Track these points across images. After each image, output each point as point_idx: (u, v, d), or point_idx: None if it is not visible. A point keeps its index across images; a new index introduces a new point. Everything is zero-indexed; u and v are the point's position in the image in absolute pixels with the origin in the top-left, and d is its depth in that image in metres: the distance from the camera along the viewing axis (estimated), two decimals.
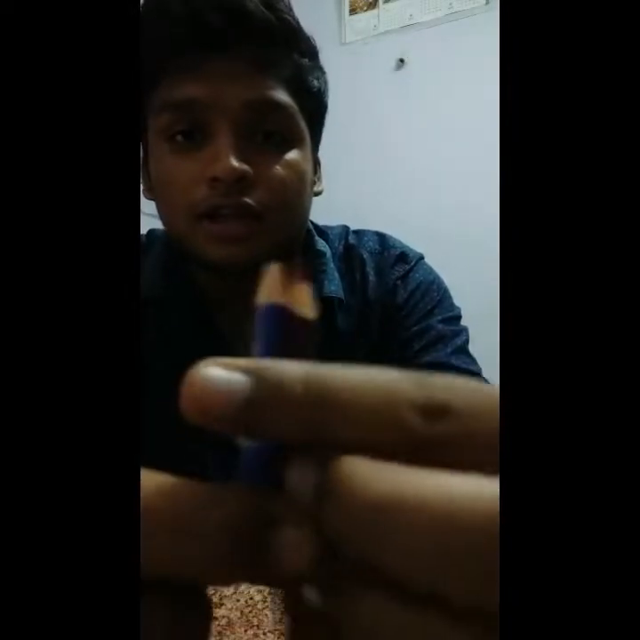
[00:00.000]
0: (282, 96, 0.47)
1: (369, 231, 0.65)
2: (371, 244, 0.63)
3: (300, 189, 0.50)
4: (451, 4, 1.73)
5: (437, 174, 1.82)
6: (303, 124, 0.50)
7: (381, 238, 0.63)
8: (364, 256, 0.61)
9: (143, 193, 0.54)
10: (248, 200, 0.45)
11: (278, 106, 0.47)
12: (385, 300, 0.59)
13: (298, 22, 0.48)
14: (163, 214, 0.51)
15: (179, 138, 0.46)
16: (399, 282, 0.60)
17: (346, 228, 0.66)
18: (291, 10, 0.47)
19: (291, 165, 0.48)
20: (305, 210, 0.53)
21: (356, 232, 0.65)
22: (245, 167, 0.44)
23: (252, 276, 0.58)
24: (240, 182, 0.44)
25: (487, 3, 1.68)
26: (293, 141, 0.49)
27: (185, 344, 0.54)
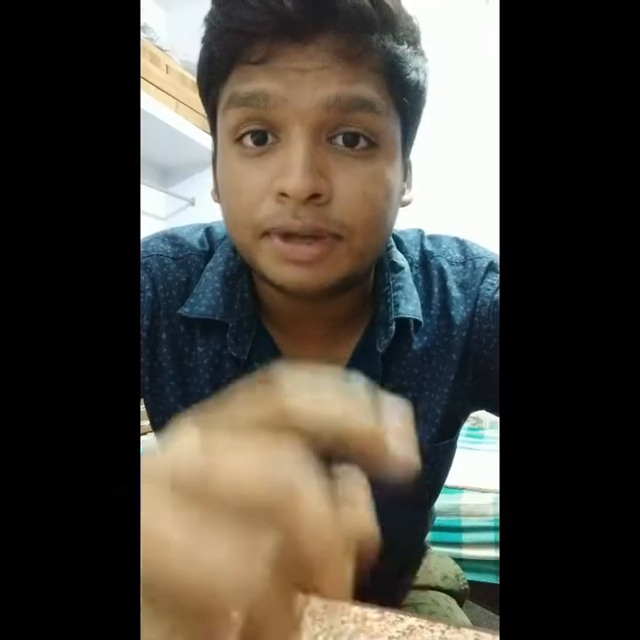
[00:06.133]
0: (370, 92, 0.40)
1: (446, 237, 0.58)
2: (450, 251, 0.55)
3: (385, 207, 0.43)
4: (451, 3, 1.73)
5: (437, 174, 1.82)
6: (395, 125, 0.43)
7: (462, 245, 0.56)
8: (445, 267, 0.54)
9: (211, 194, 0.49)
10: (323, 222, 0.40)
11: (365, 103, 0.40)
12: (478, 318, 0.51)
13: (397, 2, 0.41)
14: (227, 223, 0.45)
15: (247, 141, 0.41)
16: (497, 296, 0.51)
17: (420, 232, 0.58)
18: None
19: (376, 178, 0.41)
20: (389, 227, 0.46)
21: (432, 238, 0.58)
22: (320, 183, 0.39)
23: (324, 300, 0.47)
24: (313, 199, 0.39)
25: (487, 2, 1.68)
26: (381, 145, 0.42)
27: (241, 364, 0.50)
